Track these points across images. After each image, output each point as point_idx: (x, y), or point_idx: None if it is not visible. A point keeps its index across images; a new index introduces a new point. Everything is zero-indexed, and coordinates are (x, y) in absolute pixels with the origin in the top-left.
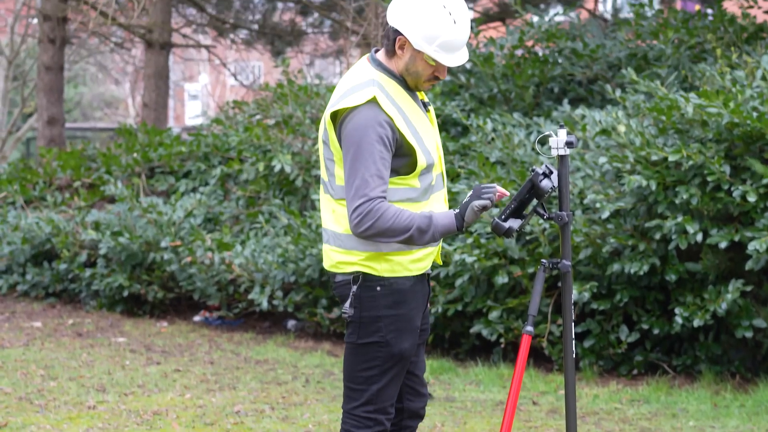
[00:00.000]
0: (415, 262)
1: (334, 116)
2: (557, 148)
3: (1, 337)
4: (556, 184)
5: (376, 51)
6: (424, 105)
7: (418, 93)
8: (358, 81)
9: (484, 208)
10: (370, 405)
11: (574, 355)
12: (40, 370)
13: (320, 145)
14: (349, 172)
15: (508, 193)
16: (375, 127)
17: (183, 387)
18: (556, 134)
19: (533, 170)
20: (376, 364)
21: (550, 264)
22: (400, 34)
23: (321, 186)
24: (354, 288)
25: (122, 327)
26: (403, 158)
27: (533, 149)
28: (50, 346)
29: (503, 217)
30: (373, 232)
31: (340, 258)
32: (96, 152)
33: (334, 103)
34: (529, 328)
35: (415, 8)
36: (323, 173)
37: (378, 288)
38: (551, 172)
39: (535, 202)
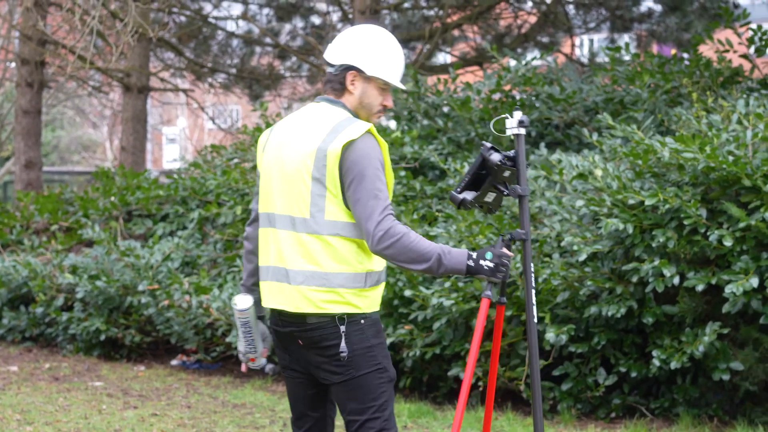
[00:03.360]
0: (379, 296)
1: (341, 150)
2: (512, 128)
3: None
4: (504, 159)
5: (323, 96)
6: None
7: None
8: (339, 117)
9: (492, 282)
10: (387, 428)
11: (535, 320)
12: (17, 415)
13: (300, 183)
14: (361, 196)
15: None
16: (376, 154)
17: (160, 431)
18: (512, 116)
19: (482, 144)
20: (383, 390)
21: (508, 235)
22: (350, 69)
23: (287, 227)
24: (342, 327)
25: (99, 371)
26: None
27: (492, 129)
28: (27, 391)
29: (458, 189)
30: (394, 249)
31: (324, 297)
32: (73, 196)
33: (327, 138)
34: (489, 293)
35: (362, 43)
36: (301, 211)
37: (362, 321)
38: (497, 150)
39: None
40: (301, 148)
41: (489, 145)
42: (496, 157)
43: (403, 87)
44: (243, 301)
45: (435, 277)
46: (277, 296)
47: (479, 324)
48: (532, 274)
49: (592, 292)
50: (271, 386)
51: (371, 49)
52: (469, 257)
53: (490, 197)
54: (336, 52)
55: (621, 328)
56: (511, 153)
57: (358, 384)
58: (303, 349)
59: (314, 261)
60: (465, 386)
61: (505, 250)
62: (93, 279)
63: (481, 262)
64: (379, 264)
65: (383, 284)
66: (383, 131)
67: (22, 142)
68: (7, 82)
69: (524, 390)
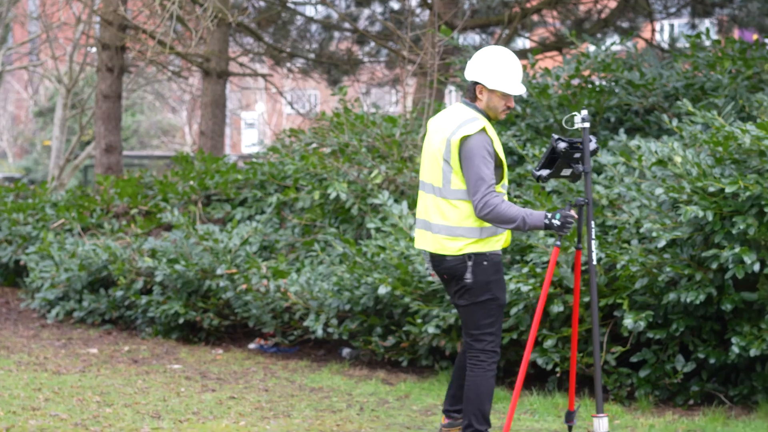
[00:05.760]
0: (497, 242)
1: (459, 141)
2: (578, 123)
3: (57, 363)
4: (568, 146)
5: (463, 98)
6: None
7: None
8: (467, 117)
9: (561, 235)
10: (494, 343)
11: (594, 262)
12: (96, 397)
13: (437, 161)
14: (470, 177)
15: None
16: (485, 145)
17: (238, 414)
18: (579, 113)
19: (552, 136)
20: (494, 314)
21: (574, 201)
22: (477, 83)
23: (430, 191)
24: (469, 263)
25: (178, 354)
26: (495, 170)
27: (563, 124)
28: (106, 373)
29: (537, 168)
30: (491, 216)
31: (453, 244)
32: (153, 180)
33: (454, 131)
34: (558, 243)
35: (484, 63)
36: (437, 182)
37: (484, 263)
38: (563, 140)
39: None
40: (439, 136)
41: (556, 136)
42: (561, 144)
43: (520, 93)
44: None
45: (527, 239)
46: (422, 240)
47: (550, 269)
48: (593, 229)
49: (671, 279)
50: (348, 370)
51: (492, 67)
52: (546, 217)
53: (566, 173)
54: (468, 70)
55: (700, 314)
56: (578, 140)
57: (475, 309)
58: (445, 282)
59: (445, 217)
60: (531, 336)
61: (571, 212)
62: (172, 263)
63: (553, 221)
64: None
65: (501, 235)
66: None
67: (102, 126)
68: (88, 67)
69: (602, 376)
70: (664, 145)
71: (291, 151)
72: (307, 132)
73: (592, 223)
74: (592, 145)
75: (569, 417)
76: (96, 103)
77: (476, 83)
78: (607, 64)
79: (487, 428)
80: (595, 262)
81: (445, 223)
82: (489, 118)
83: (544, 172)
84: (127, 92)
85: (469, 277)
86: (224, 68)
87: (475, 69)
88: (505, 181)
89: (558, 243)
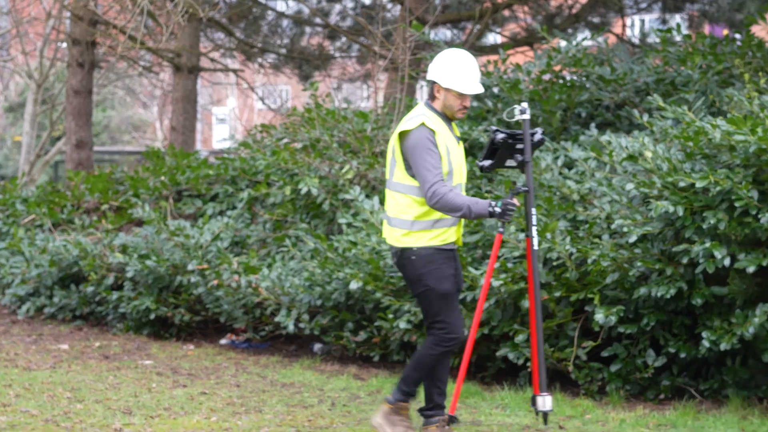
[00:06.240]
0: (431, 239)
1: (400, 136)
2: (519, 115)
3: (28, 359)
4: (507, 137)
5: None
6: (458, 138)
7: (454, 128)
8: (413, 114)
9: (503, 221)
10: (444, 330)
11: (536, 248)
12: (67, 393)
13: (389, 156)
14: (417, 169)
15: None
16: (426, 138)
17: (209, 410)
18: (519, 105)
19: (491, 128)
20: (436, 304)
21: (515, 189)
22: (435, 83)
23: (387, 185)
24: (399, 257)
25: (149, 350)
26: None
27: (503, 118)
28: (77, 369)
29: (480, 159)
30: (440, 204)
31: (395, 234)
32: (124, 175)
33: (398, 128)
34: (501, 230)
35: (440, 64)
36: (387, 174)
37: (413, 257)
38: (502, 131)
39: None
40: (395, 132)
41: (495, 128)
42: (500, 135)
43: (474, 92)
44: None
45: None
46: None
47: (493, 255)
48: (534, 216)
49: (641, 274)
50: (320, 366)
51: (447, 67)
52: (490, 205)
53: (510, 163)
54: (429, 71)
55: (670, 309)
56: (518, 131)
57: (419, 300)
58: None
59: (389, 208)
60: (477, 316)
61: (513, 200)
62: (143, 258)
63: (495, 208)
64: (430, 215)
65: (435, 231)
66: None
67: (72, 121)
68: (58, 62)
69: (573, 371)
70: (635, 140)
71: (262, 146)
72: (279, 127)
73: (533, 210)
74: (537, 137)
75: (534, 401)
76: (66, 99)
77: (434, 83)
78: (578, 60)
79: (408, 395)
80: (536, 248)
81: (388, 213)
82: (447, 117)
83: (486, 163)
84: (97, 87)
85: (402, 271)
86: (195, 63)
87: (433, 69)
88: (459, 175)
89: (501, 230)
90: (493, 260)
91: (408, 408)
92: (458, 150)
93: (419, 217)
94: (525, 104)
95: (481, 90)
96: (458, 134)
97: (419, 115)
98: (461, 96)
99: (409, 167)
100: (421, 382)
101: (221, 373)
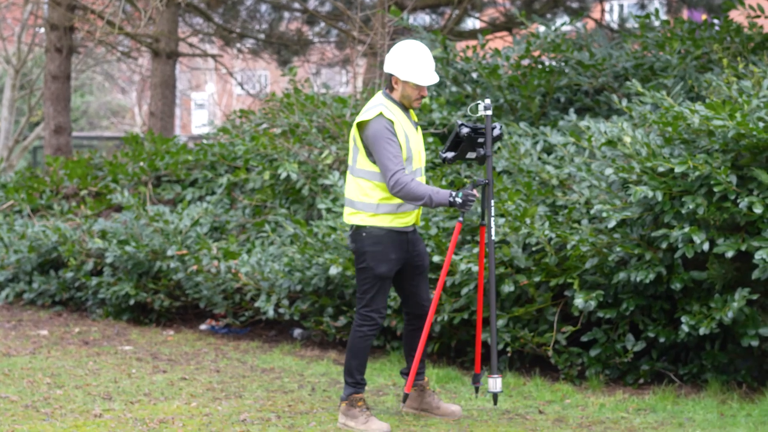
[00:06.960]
0: (392, 221)
1: (359, 126)
2: (483, 110)
3: (7, 345)
4: (471, 131)
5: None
6: (416, 124)
7: (411, 115)
8: (371, 104)
9: (463, 211)
10: (367, 308)
11: (494, 238)
12: (47, 378)
13: (351, 143)
14: (379, 159)
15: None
16: (385, 128)
17: (189, 395)
18: (483, 101)
19: (456, 122)
20: (367, 282)
21: (476, 180)
22: (392, 75)
23: (348, 170)
24: (351, 232)
25: (129, 335)
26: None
27: (469, 112)
28: (56, 354)
29: (443, 151)
30: (402, 193)
31: (350, 217)
32: (103, 161)
33: (357, 118)
34: (461, 219)
35: (397, 56)
36: (350, 161)
37: (363, 234)
38: (466, 125)
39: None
40: (354, 122)
41: (460, 122)
42: (464, 129)
43: (429, 84)
44: None
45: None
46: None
47: (452, 242)
48: (493, 207)
49: (621, 258)
50: (300, 351)
51: (403, 59)
52: (451, 195)
53: (471, 155)
54: (385, 63)
55: (650, 294)
56: (481, 126)
57: (357, 274)
58: None
59: (351, 192)
60: (436, 296)
61: (473, 191)
62: (122, 244)
63: (456, 198)
64: (391, 201)
65: (398, 215)
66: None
67: (51, 107)
68: (36, 47)
69: (552, 356)
70: (614, 125)
71: (241, 131)
72: (258, 113)
73: (492, 202)
74: (497, 131)
75: (475, 379)
76: (45, 84)
77: (392, 75)
78: (557, 45)
79: (356, 386)
80: (494, 238)
81: (349, 197)
82: (405, 107)
83: (449, 155)
84: (76, 73)
85: (349, 243)
86: (174, 49)
87: (389, 62)
88: (418, 160)
89: (461, 219)
90: (452, 247)
91: (362, 397)
92: (417, 136)
93: (383, 200)
94: (488, 100)
95: (436, 80)
96: (416, 120)
97: (377, 105)
98: (418, 87)
99: (370, 154)
100: (362, 368)
101: (201, 359)
